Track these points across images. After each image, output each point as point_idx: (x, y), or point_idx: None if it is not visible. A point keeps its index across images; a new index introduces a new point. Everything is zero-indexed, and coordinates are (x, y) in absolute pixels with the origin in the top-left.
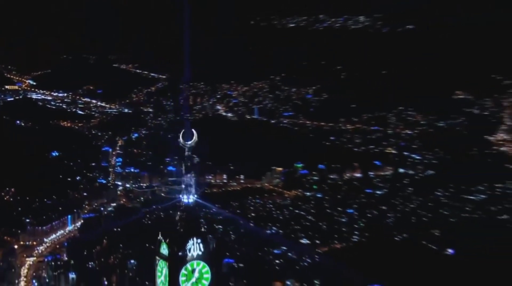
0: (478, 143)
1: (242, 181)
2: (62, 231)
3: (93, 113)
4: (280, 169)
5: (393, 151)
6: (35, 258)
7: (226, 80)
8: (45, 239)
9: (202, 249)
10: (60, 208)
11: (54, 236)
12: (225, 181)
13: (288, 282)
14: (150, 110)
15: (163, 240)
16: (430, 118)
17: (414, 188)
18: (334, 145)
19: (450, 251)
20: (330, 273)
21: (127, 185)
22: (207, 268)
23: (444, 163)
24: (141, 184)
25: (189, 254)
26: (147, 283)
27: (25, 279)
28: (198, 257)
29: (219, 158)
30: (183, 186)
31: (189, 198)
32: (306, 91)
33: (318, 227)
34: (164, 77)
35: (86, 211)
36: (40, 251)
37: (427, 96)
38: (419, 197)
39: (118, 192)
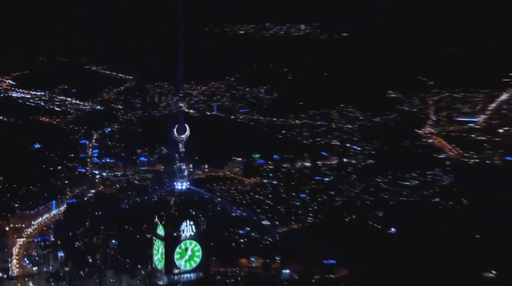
0: (409, 136)
1: (206, 170)
2: (47, 215)
3: (69, 109)
4: (240, 159)
5: (337, 143)
6: (24, 239)
7: (187, 81)
8: (32, 222)
9: (194, 230)
10: (45, 194)
11: (40, 219)
12: (191, 170)
13: (252, 259)
14: (120, 107)
15: (159, 222)
16: (368, 114)
17: (357, 175)
18: (285, 138)
19: (392, 230)
20: (289, 250)
21: (104, 174)
22: (198, 247)
23: (382, 153)
24: (116, 173)
25: (183, 235)
26: (127, 260)
27: (17, 257)
28: (191, 237)
29: (186, 150)
30: (177, 174)
31: (182, 185)
32: (258, 90)
33: (276, 210)
34: (131, 77)
35: (68, 197)
36: (29, 233)
37: (364, 95)
38: (362, 183)
39: (96, 180)
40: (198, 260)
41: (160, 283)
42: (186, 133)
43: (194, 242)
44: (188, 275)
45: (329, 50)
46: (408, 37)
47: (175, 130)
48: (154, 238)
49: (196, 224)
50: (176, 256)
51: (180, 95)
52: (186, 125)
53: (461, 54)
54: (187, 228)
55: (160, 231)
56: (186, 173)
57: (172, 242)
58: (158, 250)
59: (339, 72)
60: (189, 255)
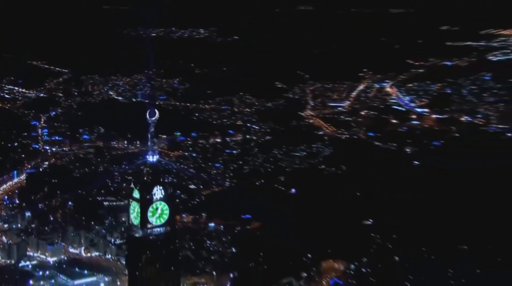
0: (295, 117)
1: (138, 145)
2: (10, 182)
3: (17, 97)
4: (165, 136)
5: (241, 123)
6: None
7: (114, 73)
8: None
9: (163, 194)
10: (7, 166)
11: (5, 186)
12: (126, 145)
13: (183, 215)
14: (61, 94)
15: (135, 187)
16: (261, 100)
17: (258, 149)
18: (199, 119)
19: (293, 190)
20: (212, 208)
21: (54, 149)
22: (166, 207)
23: (275, 131)
24: (64, 148)
25: (154, 197)
26: (83, 218)
27: None
28: (161, 199)
29: (119, 129)
30: (149, 149)
31: (153, 158)
32: (172, 81)
33: (199, 176)
34: (66, 71)
35: (25, 168)
36: None
37: (258, 85)
38: (263, 154)
39: (48, 154)
40: (166, 217)
41: (136, 235)
42: (156, 116)
43: (163, 203)
44: (158, 229)
45: (225, 50)
46: (287, 41)
47: (147, 113)
48: (130, 200)
49: (164, 189)
50: (149, 214)
51: (110, 85)
52: (155, 109)
53: (328, 54)
54: (158, 192)
55: (136, 194)
56: (156, 148)
57: (146, 203)
58: (134, 210)
59: (236, 67)
60: (159, 214)
